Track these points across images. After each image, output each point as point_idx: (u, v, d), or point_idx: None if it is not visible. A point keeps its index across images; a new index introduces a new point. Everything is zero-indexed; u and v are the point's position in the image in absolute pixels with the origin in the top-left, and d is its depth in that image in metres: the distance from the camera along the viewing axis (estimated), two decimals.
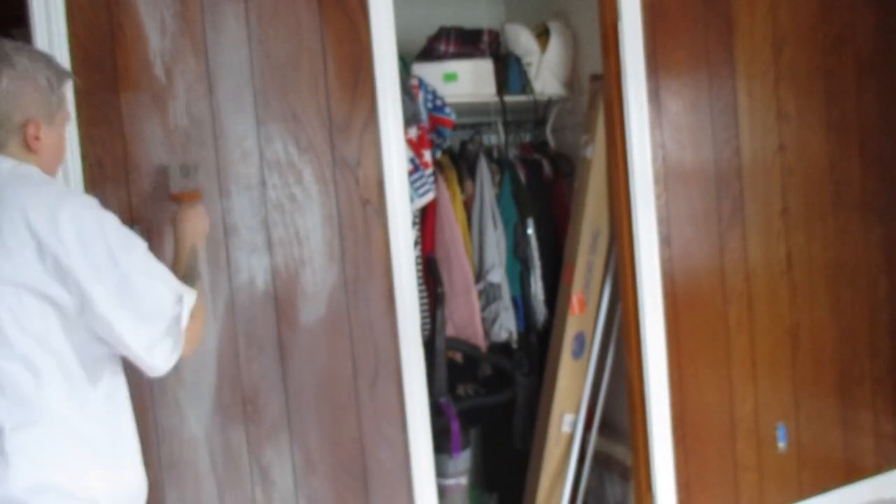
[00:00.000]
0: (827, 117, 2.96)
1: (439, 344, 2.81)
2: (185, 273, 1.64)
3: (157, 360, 1.43)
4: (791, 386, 2.92)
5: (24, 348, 1.34)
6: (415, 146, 2.70)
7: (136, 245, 1.43)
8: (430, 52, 3.02)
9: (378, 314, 2.28)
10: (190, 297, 1.47)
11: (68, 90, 1.54)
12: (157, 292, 1.42)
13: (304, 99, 2.18)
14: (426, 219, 2.89)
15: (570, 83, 3.23)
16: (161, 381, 2.01)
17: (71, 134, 1.89)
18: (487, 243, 2.93)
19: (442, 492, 2.74)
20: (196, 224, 1.82)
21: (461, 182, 2.99)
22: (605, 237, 2.91)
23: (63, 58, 1.90)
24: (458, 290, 2.86)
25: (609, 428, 3.05)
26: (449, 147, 3.04)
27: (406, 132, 2.45)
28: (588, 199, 2.90)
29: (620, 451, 2.93)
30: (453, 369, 2.95)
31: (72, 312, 1.36)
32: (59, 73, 1.50)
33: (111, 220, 1.41)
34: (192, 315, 1.47)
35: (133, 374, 1.51)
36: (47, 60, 1.49)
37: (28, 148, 1.44)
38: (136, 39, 1.99)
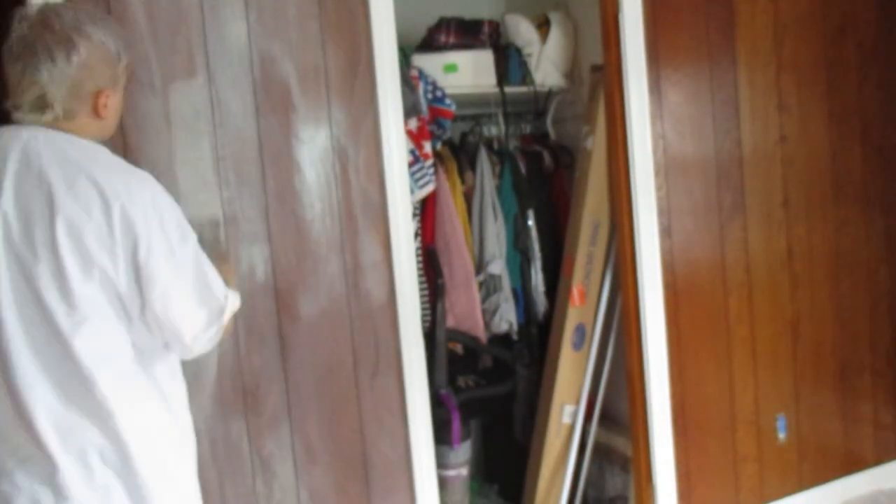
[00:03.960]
0: (828, 108, 2.96)
1: (440, 335, 2.81)
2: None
3: (199, 346, 1.53)
4: (791, 377, 2.92)
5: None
6: (415, 137, 2.69)
7: (192, 235, 1.50)
8: (430, 43, 3.01)
9: (378, 305, 2.28)
10: (235, 296, 1.58)
11: None
12: (215, 280, 1.52)
13: (304, 89, 2.17)
14: (426, 210, 2.88)
15: (571, 74, 3.22)
16: None
17: None
18: (488, 235, 2.93)
19: (442, 483, 2.74)
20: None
21: (461, 173, 2.98)
22: (606, 228, 2.91)
23: None
24: (459, 281, 2.86)
25: (609, 419, 3.05)
26: (449, 138, 3.04)
27: (406, 123, 2.44)
28: (588, 190, 2.90)
29: (621, 442, 2.93)
30: (454, 361, 2.96)
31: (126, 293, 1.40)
32: (126, 43, 1.54)
33: (175, 206, 1.48)
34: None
35: None
36: (116, 31, 1.52)
37: (97, 115, 1.48)
38: (133, 28, 1.98)
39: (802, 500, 2.94)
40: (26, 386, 1.36)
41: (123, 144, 1.97)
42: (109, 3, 1.95)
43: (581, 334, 2.93)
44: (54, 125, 1.44)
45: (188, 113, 2.04)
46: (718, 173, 2.77)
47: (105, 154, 1.48)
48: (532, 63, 3.13)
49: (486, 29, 3.09)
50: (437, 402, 2.74)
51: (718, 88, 2.76)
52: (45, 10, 1.44)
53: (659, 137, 2.66)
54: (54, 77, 1.40)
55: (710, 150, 2.75)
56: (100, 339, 1.39)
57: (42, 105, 1.42)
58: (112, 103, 1.51)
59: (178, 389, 1.58)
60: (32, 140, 1.40)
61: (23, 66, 1.40)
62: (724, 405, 2.80)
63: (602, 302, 2.92)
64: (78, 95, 1.44)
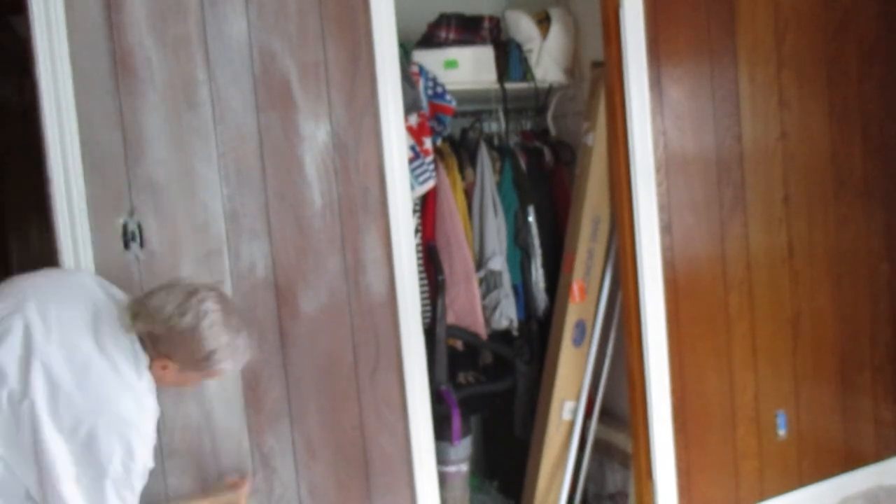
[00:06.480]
0: (829, 104, 2.95)
1: (440, 332, 2.81)
2: None
3: None
4: (791, 373, 2.92)
5: None
6: (415, 133, 2.69)
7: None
8: (430, 39, 3.00)
9: (379, 302, 2.28)
10: None
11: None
12: None
13: (304, 85, 2.17)
14: (427, 206, 2.88)
15: (572, 70, 3.21)
16: None
17: (70, 120, 1.89)
18: (488, 231, 2.92)
19: (442, 479, 2.74)
20: None
21: (462, 170, 2.98)
22: (606, 225, 2.91)
23: (61, 47, 1.89)
24: (459, 277, 2.86)
25: (609, 415, 3.06)
26: (449, 134, 3.03)
27: (406, 119, 2.44)
28: (589, 186, 2.90)
29: (621, 439, 2.93)
30: (454, 357, 2.96)
31: None
32: (236, 361, 1.73)
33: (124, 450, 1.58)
34: None
35: None
36: (238, 349, 1.71)
37: (151, 364, 1.66)
38: (133, 26, 1.98)
39: (802, 497, 2.95)
40: None
41: (123, 141, 1.97)
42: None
43: (581, 330, 2.93)
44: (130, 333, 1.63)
45: (188, 109, 2.04)
46: (719, 169, 2.76)
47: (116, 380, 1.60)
48: (532, 59, 3.13)
49: (486, 25, 3.08)
50: (437, 399, 2.74)
51: (719, 85, 2.75)
52: (222, 295, 1.72)
53: (659, 134, 2.65)
54: (160, 320, 1.60)
55: (710, 147, 2.75)
56: None
57: (138, 316, 1.62)
58: (169, 376, 1.69)
59: None
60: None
61: (163, 297, 1.64)
62: (724, 401, 2.80)
63: (602, 298, 2.92)
64: (155, 344, 1.63)
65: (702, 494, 2.77)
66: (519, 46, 3.14)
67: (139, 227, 1.99)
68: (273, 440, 2.17)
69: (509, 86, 3.08)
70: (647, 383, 2.67)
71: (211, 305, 1.65)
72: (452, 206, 2.87)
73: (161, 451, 2.04)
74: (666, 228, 2.68)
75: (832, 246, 2.99)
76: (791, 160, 2.89)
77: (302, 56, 2.17)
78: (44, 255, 3.58)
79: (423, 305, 2.73)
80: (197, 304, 1.63)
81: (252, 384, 2.14)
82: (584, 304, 2.93)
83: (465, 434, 2.86)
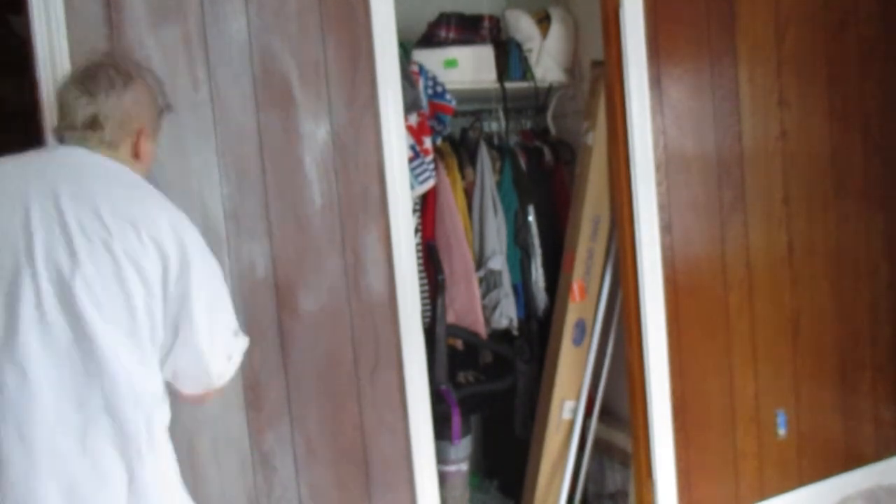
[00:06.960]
0: (829, 104, 2.95)
1: (440, 331, 2.81)
2: None
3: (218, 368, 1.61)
4: (791, 373, 2.92)
5: None
6: (415, 133, 2.69)
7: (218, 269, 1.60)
8: (430, 39, 3.01)
9: (379, 301, 2.28)
10: (244, 339, 1.67)
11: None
12: (229, 315, 1.61)
13: (304, 85, 2.17)
14: (426, 206, 2.88)
15: (572, 69, 3.21)
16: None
17: None
18: (488, 230, 2.92)
19: (443, 478, 2.75)
20: None
21: (462, 169, 2.98)
22: (606, 224, 2.91)
23: (61, 46, 1.89)
24: (459, 277, 2.86)
25: (609, 415, 3.06)
26: (449, 134, 3.03)
27: (406, 119, 2.44)
28: (589, 185, 2.90)
29: (621, 438, 2.94)
30: (454, 356, 2.96)
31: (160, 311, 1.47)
32: (167, 102, 1.68)
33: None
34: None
35: None
36: (161, 86, 1.67)
37: (135, 154, 1.56)
38: (132, 25, 1.98)
39: (802, 496, 2.95)
40: None
41: None
42: None
43: (581, 330, 2.93)
44: (99, 149, 1.50)
45: (188, 109, 2.04)
46: (719, 169, 2.76)
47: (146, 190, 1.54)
48: (532, 58, 3.13)
49: (486, 24, 3.08)
50: (437, 398, 2.74)
51: (719, 84, 2.75)
52: (110, 52, 1.68)
53: (659, 133, 2.65)
54: (110, 102, 1.49)
55: (710, 146, 2.75)
56: None
57: (93, 125, 1.49)
58: (146, 148, 1.59)
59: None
60: (84, 157, 1.48)
61: (82, 90, 1.49)
62: (724, 401, 2.80)
63: (602, 297, 2.92)
64: (124, 127, 1.52)
65: (702, 494, 2.77)
66: (519, 46, 3.14)
67: None
68: (273, 440, 2.17)
69: (509, 85, 3.08)
70: (647, 383, 2.67)
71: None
72: (452, 205, 2.87)
73: None
74: (666, 228, 2.68)
75: (832, 246, 2.99)
76: (791, 160, 2.88)
77: (302, 55, 2.17)
78: None
79: (423, 305, 2.74)
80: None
81: (252, 384, 2.14)
82: (584, 303, 2.93)
83: (465, 433, 2.86)
